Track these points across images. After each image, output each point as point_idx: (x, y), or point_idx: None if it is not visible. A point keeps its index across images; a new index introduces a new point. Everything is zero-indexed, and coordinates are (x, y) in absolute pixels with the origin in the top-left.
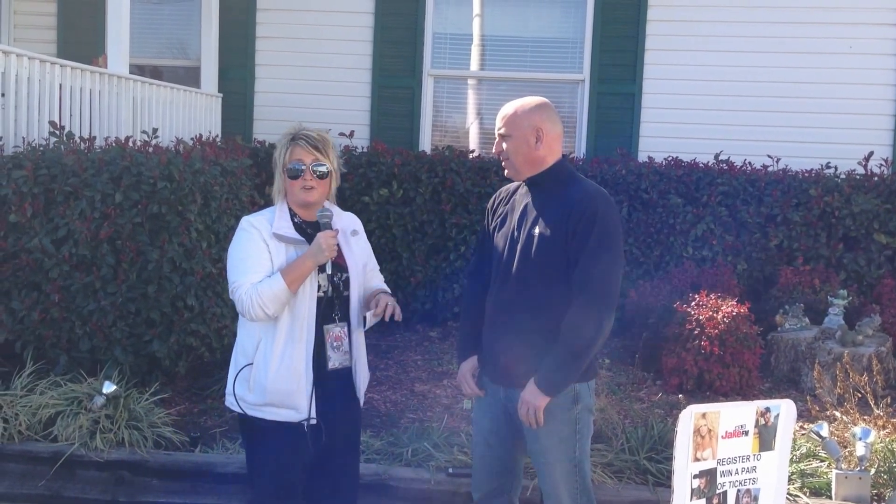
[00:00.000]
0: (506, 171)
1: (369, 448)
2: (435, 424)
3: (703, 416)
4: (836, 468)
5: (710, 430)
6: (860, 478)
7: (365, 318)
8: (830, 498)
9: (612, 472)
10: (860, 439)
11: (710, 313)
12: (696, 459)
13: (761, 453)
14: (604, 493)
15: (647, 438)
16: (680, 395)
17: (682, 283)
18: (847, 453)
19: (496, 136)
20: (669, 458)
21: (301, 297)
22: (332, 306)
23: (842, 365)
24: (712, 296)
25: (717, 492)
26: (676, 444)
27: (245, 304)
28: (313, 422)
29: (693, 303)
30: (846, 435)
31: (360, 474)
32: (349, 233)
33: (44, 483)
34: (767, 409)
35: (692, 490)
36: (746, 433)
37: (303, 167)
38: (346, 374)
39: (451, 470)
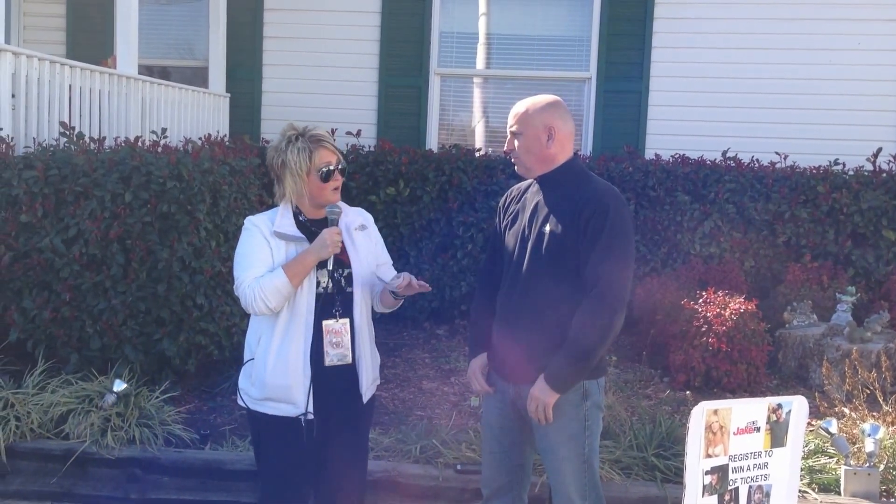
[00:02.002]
0: (517, 169)
1: (378, 445)
2: (443, 421)
3: (715, 412)
4: (845, 464)
5: (721, 427)
6: (869, 474)
7: (394, 293)
8: (839, 494)
9: (620, 469)
10: (869, 435)
11: (718, 310)
12: (708, 456)
13: (773, 450)
14: (612, 490)
15: (654, 435)
16: (687, 392)
17: (689, 280)
18: (856, 449)
19: (508, 133)
20: (677, 455)
21: (299, 293)
22: (333, 302)
23: (850, 361)
24: (720, 293)
25: (729, 488)
26: (688, 440)
27: (248, 297)
28: (310, 416)
29: (700, 300)
30: (855, 431)
31: (368, 471)
32: (353, 228)
33: (56, 480)
34: (779, 406)
35: (704, 486)
36: (758, 429)
37: (334, 168)
38: (349, 370)
39: (459, 466)
